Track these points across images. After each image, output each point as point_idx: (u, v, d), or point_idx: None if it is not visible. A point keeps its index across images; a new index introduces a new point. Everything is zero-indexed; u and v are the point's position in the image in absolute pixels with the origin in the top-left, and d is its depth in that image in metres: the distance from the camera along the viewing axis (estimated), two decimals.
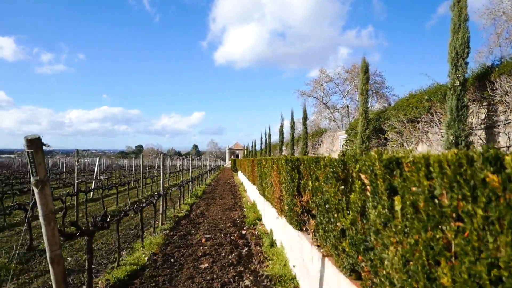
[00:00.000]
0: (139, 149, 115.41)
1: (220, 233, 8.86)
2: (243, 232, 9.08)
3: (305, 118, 24.02)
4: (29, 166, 3.17)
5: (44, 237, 3.26)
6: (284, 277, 5.49)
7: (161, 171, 10.64)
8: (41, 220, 3.22)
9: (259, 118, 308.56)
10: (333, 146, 20.56)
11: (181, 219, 10.86)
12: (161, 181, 10.34)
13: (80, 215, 11.23)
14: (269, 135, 43.37)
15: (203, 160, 39.34)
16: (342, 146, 18.00)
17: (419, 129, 11.27)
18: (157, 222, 9.40)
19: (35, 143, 3.13)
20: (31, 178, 3.13)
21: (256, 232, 9.05)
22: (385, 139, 13.19)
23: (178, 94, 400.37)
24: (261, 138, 52.14)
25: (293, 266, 5.75)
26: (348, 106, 47.96)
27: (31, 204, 5.90)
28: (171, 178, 30.16)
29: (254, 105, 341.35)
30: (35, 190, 3.18)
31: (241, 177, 28.32)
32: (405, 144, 11.88)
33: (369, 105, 43.62)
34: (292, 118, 27.56)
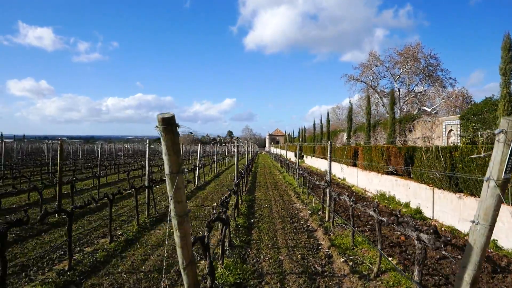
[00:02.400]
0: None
1: None
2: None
3: (392, 103, 21.50)
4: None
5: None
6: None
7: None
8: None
9: (289, 103, 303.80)
10: (432, 133, 18.14)
11: None
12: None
13: None
14: (328, 121, 42.28)
15: (239, 147, 38.39)
16: (449, 133, 15.64)
17: None
18: None
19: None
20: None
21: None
22: None
23: (209, 81, 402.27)
24: (314, 124, 51.27)
25: None
26: (399, 91, 44.73)
27: None
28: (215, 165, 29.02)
29: (285, 90, 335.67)
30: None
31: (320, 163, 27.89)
32: None
33: (421, 89, 40.41)
34: (369, 103, 25.68)
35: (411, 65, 42.95)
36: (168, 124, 2.53)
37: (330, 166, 10.15)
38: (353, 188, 16.94)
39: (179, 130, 2.62)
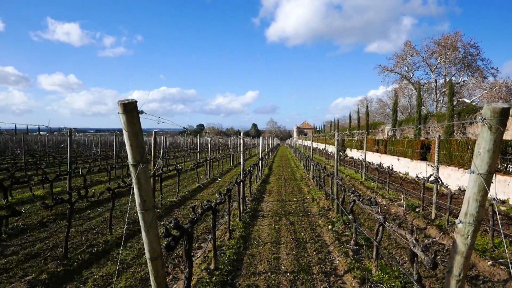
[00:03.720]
0: (200, 128, 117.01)
1: None
2: None
3: (451, 94, 19.50)
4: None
5: None
6: None
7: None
8: None
9: (312, 95, 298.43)
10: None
11: None
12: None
13: None
14: (367, 113, 41.01)
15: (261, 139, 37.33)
16: None
17: None
18: None
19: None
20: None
21: None
22: None
23: (231, 73, 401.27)
24: (350, 116, 49.80)
25: None
26: (436, 81, 41.86)
27: None
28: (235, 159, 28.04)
29: (307, 82, 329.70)
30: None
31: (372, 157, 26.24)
32: None
33: (459, 80, 37.44)
34: (420, 94, 24.03)
35: (449, 54, 40.18)
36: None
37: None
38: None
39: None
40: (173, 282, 4.76)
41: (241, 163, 9.18)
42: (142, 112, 2.44)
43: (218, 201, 5.23)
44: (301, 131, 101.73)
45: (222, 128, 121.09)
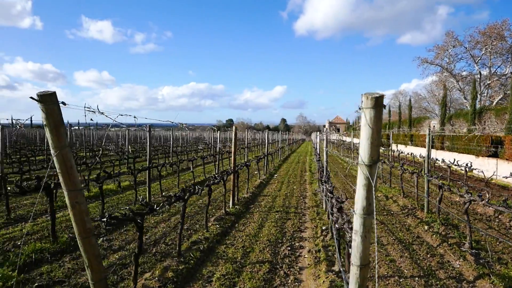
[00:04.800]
0: (229, 123, 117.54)
1: None
2: None
3: None
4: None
5: None
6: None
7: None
8: None
9: (341, 89, 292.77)
10: None
11: None
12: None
13: None
14: (410, 108, 39.21)
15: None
16: None
17: None
18: None
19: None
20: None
21: None
22: None
23: (259, 68, 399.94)
24: (389, 111, 48.79)
25: None
26: (480, 73, 39.83)
27: None
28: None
29: (336, 76, 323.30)
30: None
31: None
32: None
33: (506, 71, 35.34)
34: (475, 86, 23.04)
35: (495, 44, 38.05)
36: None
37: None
38: (492, 181, 14.43)
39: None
40: None
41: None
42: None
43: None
44: (333, 126, 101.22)
45: (251, 123, 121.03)
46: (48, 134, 2.64)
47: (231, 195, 8.74)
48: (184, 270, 4.92)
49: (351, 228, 2.43)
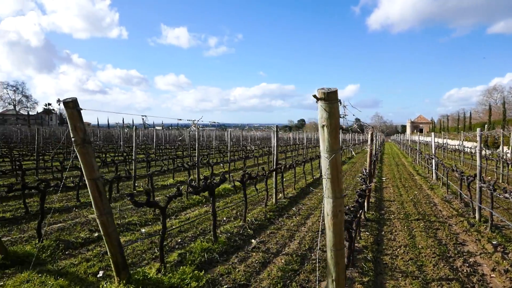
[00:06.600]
0: (301, 123, 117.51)
1: None
2: None
3: None
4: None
5: None
6: None
7: None
8: None
9: (420, 87, 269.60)
10: None
11: None
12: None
13: None
14: (504, 104, 38.03)
15: None
16: None
17: None
18: None
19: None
20: None
21: None
22: None
23: (330, 67, 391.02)
24: (490, 109, 45.10)
25: None
26: None
27: None
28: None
29: (414, 72, 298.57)
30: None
31: None
32: None
33: None
34: None
35: None
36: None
37: None
38: None
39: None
40: None
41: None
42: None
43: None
44: (415, 126, 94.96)
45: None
46: (326, 137, 2.53)
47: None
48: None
49: None
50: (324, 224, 2.75)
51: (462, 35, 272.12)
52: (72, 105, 3.24)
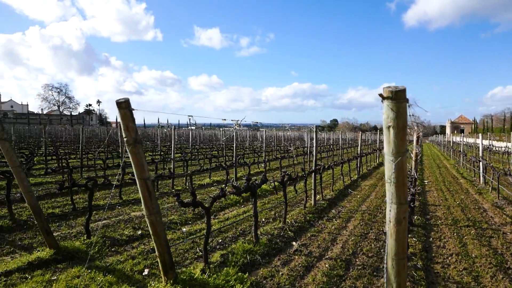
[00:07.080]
0: (334, 123, 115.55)
1: None
2: None
3: None
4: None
5: None
6: None
7: None
8: None
9: (460, 85, 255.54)
10: None
11: None
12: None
13: None
14: None
15: None
16: None
17: None
18: None
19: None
20: None
21: None
22: None
23: (364, 65, 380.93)
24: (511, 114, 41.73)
25: None
26: None
27: None
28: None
29: (454, 70, 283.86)
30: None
31: None
32: None
33: None
34: None
35: None
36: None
37: None
38: None
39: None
40: None
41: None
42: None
43: None
44: (456, 127, 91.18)
45: (357, 123, 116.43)
46: (392, 138, 2.30)
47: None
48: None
49: None
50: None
51: (507, 30, 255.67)
52: (125, 105, 3.26)
